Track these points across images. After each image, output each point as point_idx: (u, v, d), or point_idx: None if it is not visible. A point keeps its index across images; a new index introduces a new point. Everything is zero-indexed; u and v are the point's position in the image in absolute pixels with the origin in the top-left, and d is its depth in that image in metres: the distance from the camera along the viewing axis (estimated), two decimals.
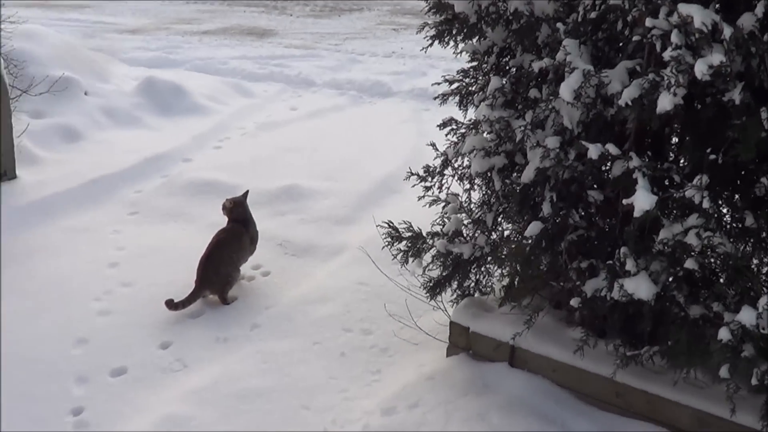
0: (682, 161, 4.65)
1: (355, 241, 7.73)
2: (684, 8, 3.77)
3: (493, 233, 5.44)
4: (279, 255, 7.73)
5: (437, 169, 5.64)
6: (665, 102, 3.92)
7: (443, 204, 5.70)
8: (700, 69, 3.74)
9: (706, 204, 4.06)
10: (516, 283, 5.42)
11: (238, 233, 7.02)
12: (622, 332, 4.92)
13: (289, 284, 7.14)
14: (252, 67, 16.72)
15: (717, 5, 3.81)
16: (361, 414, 5.29)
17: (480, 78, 5.41)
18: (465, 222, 5.58)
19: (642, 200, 4.08)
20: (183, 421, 5.28)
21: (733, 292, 4.32)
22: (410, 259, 5.69)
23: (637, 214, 4.09)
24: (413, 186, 5.75)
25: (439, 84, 5.65)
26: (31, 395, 5.59)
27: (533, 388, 5.21)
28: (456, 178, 5.63)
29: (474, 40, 5.16)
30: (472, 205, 5.62)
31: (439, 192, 5.68)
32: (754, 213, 4.23)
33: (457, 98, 5.58)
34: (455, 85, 5.58)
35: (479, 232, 5.46)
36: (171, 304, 6.46)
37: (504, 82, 4.95)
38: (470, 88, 5.48)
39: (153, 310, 6.55)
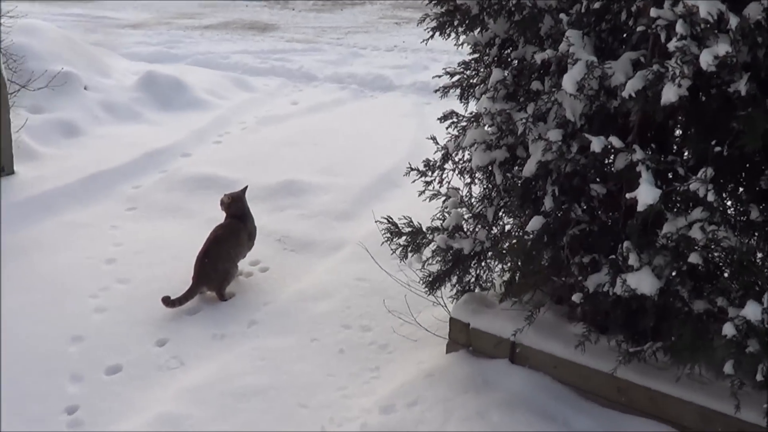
0: (685, 154, 4.56)
1: (355, 236, 7.66)
2: None
3: (493, 228, 5.36)
4: (278, 250, 7.67)
5: (437, 163, 5.57)
6: (670, 93, 3.86)
7: (443, 198, 5.62)
8: (706, 60, 3.68)
9: (710, 197, 3.99)
10: (517, 278, 5.35)
11: (236, 229, 6.96)
12: (625, 328, 4.85)
13: (287, 280, 7.07)
14: (253, 62, 16.64)
15: None
16: (360, 412, 5.22)
17: (481, 70, 5.34)
18: (465, 216, 5.50)
19: (646, 194, 4.02)
20: (179, 420, 5.22)
21: (738, 287, 4.24)
22: (409, 255, 5.62)
23: (640, 208, 4.04)
24: (413, 181, 5.66)
25: (440, 77, 5.59)
26: (25, 393, 5.54)
27: (534, 385, 5.13)
28: (456, 172, 5.56)
29: (476, 32, 5.08)
30: (473, 200, 5.54)
31: (440, 186, 5.61)
32: (759, 206, 4.16)
33: (458, 91, 5.49)
34: (456, 77, 5.50)
35: (480, 226, 5.38)
36: (168, 301, 6.39)
37: (506, 74, 4.87)
38: (471, 81, 5.40)
39: (150, 307, 6.49)
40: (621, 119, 4.53)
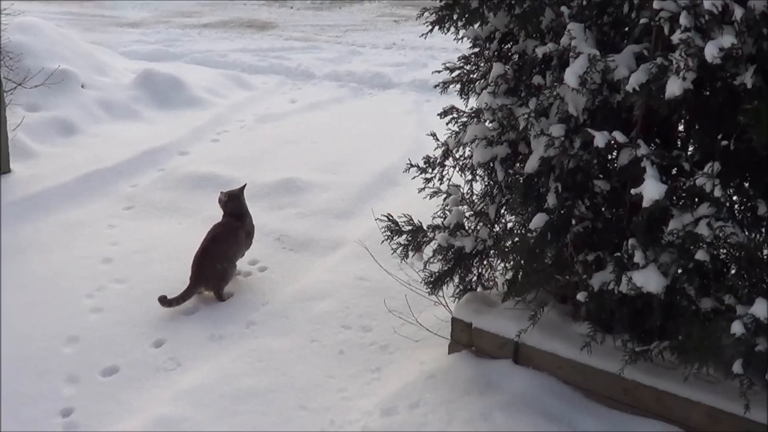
0: (690, 148, 4.49)
1: (355, 235, 7.58)
2: None
3: (495, 225, 5.29)
4: (276, 250, 7.59)
5: (438, 160, 5.49)
6: (674, 87, 3.81)
7: (444, 196, 5.55)
8: (711, 52, 3.64)
9: (717, 192, 3.94)
10: (519, 277, 5.26)
11: (233, 228, 6.87)
12: (630, 327, 4.77)
13: (286, 280, 6.99)
14: (252, 60, 16.65)
15: None
16: (360, 414, 5.13)
17: (482, 65, 5.25)
18: (467, 214, 5.43)
19: (651, 190, 3.96)
20: (176, 423, 5.13)
21: (746, 284, 4.19)
22: (410, 254, 5.54)
23: (646, 204, 3.97)
24: (413, 178, 5.59)
25: (439, 72, 5.48)
26: (20, 395, 5.46)
27: (538, 385, 5.04)
28: (457, 168, 5.47)
29: (475, 26, 4.99)
30: (474, 197, 5.46)
31: (440, 184, 5.53)
32: (766, 201, 4.10)
33: (458, 86, 5.40)
34: (456, 72, 5.40)
35: (481, 224, 5.31)
36: (164, 301, 6.30)
37: (507, 69, 4.78)
38: (472, 76, 5.31)
39: (147, 308, 6.41)
40: (624, 114, 4.46)
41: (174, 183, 9.17)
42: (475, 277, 5.65)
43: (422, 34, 5.19)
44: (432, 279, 5.53)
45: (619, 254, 4.40)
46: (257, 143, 10.84)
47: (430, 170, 5.53)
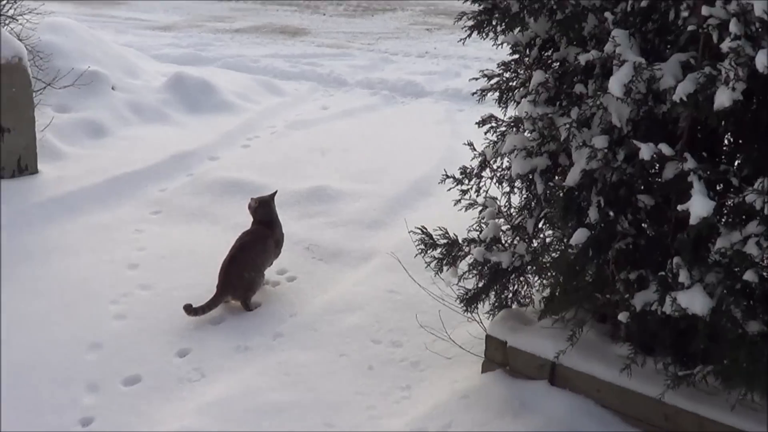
0: (737, 162, 4.31)
1: (386, 246, 7.41)
2: None
3: (534, 240, 5.11)
4: (306, 259, 7.44)
5: (474, 171, 5.33)
6: (723, 98, 3.66)
7: (480, 208, 5.39)
8: (762, 61, 3.49)
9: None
10: (557, 294, 5.08)
11: (262, 236, 6.73)
12: (673, 349, 4.56)
13: (315, 291, 6.84)
14: (283, 66, 16.58)
15: None
16: None
17: (521, 72, 5.08)
18: (503, 228, 5.27)
19: (699, 206, 3.77)
20: None
21: None
22: (445, 268, 5.37)
23: (693, 221, 3.78)
24: (449, 189, 5.44)
25: (476, 79, 5.34)
26: (39, 402, 5.34)
27: (575, 409, 4.84)
28: (494, 180, 5.31)
29: (515, 32, 4.83)
30: (512, 210, 5.30)
31: (476, 195, 5.37)
32: None
33: (496, 95, 5.23)
34: (495, 80, 5.23)
35: (519, 239, 5.14)
36: (190, 310, 6.16)
37: (547, 77, 4.62)
38: (511, 84, 5.15)
39: (171, 316, 6.27)
40: (670, 125, 4.29)
41: (203, 188, 9.06)
42: (510, 294, 5.47)
43: (460, 39, 5.09)
44: (468, 297, 5.36)
45: (663, 273, 4.21)
46: (288, 150, 10.74)
47: (466, 181, 5.37)
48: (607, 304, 4.79)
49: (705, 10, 3.72)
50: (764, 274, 3.91)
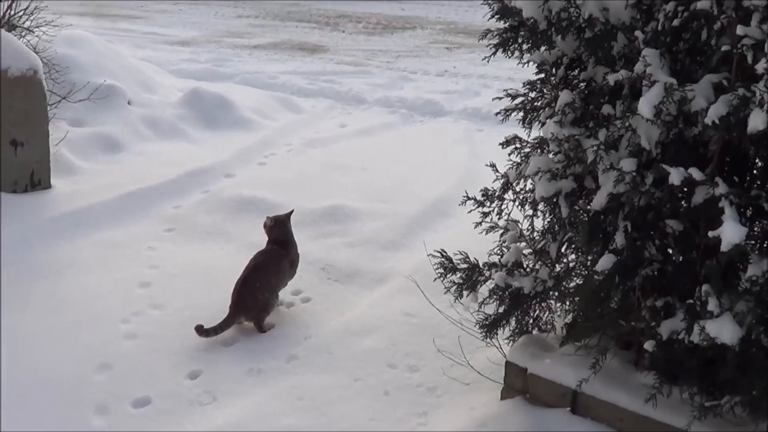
0: None
1: (403, 267, 7.30)
2: None
3: (556, 265, 4.97)
4: (321, 280, 7.31)
5: (497, 193, 5.19)
6: (758, 120, 3.55)
7: (501, 231, 5.26)
8: None
9: None
10: (580, 320, 4.95)
11: (277, 256, 6.61)
12: (699, 379, 4.41)
13: (330, 313, 6.70)
14: (301, 83, 16.51)
15: None
16: None
17: (547, 92, 4.95)
18: (525, 252, 5.13)
19: (731, 232, 3.63)
20: None
21: None
22: (465, 293, 5.23)
23: (724, 248, 3.64)
24: (470, 212, 5.29)
25: (500, 99, 5.21)
26: (46, 423, 5.22)
27: None
28: (517, 203, 5.17)
29: (542, 50, 4.70)
30: (534, 234, 5.16)
31: (498, 218, 5.24)
32: None
33: (520, 114, 5.10)
34: (519, 99, 5.10)
35: (541, 263, 5.00)
36: (201, 330, 6.04)
37: (574, 97, 4.48)
38: (536, 104, 5.02)
39: (184, 336, 6.14)
40: (701, 149, 4.16)
41: (218, 206, 8.95)
42: (531, 319, 5.33)
43: (484, 57, 4.98)
44: (487, 322, 5.22)
45: (691, 301, 4.07)
46: (305, 168, 10.63)
47: (488, 203, 5.23)
48: (631, 331, 4.68)
49: (740, 30, 3.60)
50: None
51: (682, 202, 4.18)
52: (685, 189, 4.01)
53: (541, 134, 4.76)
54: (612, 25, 4.24)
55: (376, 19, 28.72)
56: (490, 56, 4.87)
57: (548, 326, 5.36)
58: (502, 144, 5.18)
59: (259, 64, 18.80)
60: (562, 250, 4.95)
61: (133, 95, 11.90)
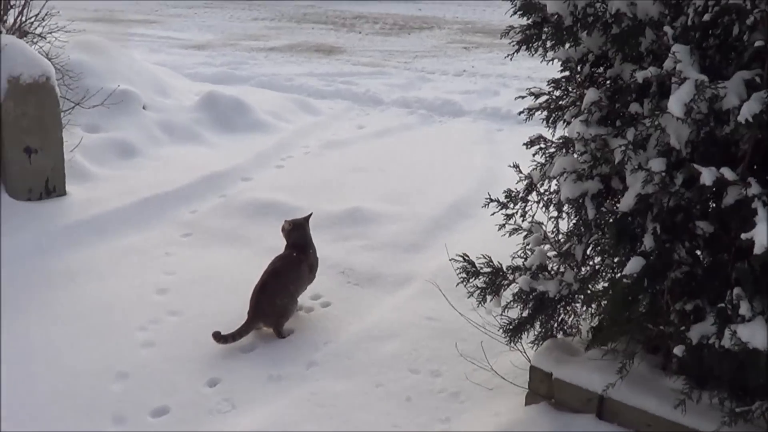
0: None
1: (424, 270, 7.20)
2: None
3: (582, 268, 4.85)
4: (341, 284, 7.21)
5: (520, 195, 5.09)
6: None
7: (525, 233, 5.15)
8: None
9: None
10: (605, 324, 4.83)
11: (295, 261, 6.51)
12: (729, 384, 4.28)
13: (350, 317, 6.60)
14: (318, 84, 16.44)
15: None
16: None
17: (572, 90, 4.83)
18: (550, 255, 5.02)
19: (765, 235, 3.51)
20: None
21: None
22: (488, 297, 5.12)
23: (758, 250, 3.53)
24: (492, 214, 5.19)
25: (522, 98, 5.11)
26: None
27: None
28: (541, 204, 5.06)
29: (566, 47, 4.59)
30: (559, 236, 5.05)
31: (522, 220, 5.13)
32: None
33: (544, 113, 4.99)
34: (542, 98, 5.00)
35: (566, 266, 4.88)
36: (219, 337, 5.96)
37: (601, 95, 4.36)
38: (560, 102, 4.90)
39: (202, 343, 6.05)
40: (733, 147, 4.04)
41: (235, 210, 8.89)
42: (556, 323, 5.21)
43: (507, 55, 4.87)
44: (512, 328, 5.11)
45: (722, 305, 3.95)
46: (322, 170, 10.56)
47: (511, 205, 5.13)
48: (659, 335, 4.54)
49: None
50: None
51: (712, 203, 4.08)
52: (716, 189, 3.90)
53: (566, 134, 4.66)
54: (640, 20, 4.13)
55: (392, 20, 28.72)
56: (513, 54, 4.78)
57: (573, 330, 5.25)
58: (526, 144, 5.09)
59: (275, 66, 18.75)
60: (588, 252, 4.83)
61: (148, 100, 11.84)
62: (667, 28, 3.97)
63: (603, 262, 4.78)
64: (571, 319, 5.20)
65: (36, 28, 9.94)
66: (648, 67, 4.02)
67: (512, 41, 4.71)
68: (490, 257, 5.22)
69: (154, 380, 5.69)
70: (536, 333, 5.20)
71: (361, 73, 18.10)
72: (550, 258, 5.01)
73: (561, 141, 4.80)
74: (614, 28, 4.22)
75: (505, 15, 4.76)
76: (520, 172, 5.16)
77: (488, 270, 5.15)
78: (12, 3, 9.55)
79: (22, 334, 6.18)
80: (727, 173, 3.74)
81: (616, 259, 4.55)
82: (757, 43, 3.68)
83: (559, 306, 5.01)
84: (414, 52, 21.58)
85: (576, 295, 4.88)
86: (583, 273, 4.84)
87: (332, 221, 8.41)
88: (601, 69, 4.63)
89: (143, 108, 11.48)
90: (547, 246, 5.06)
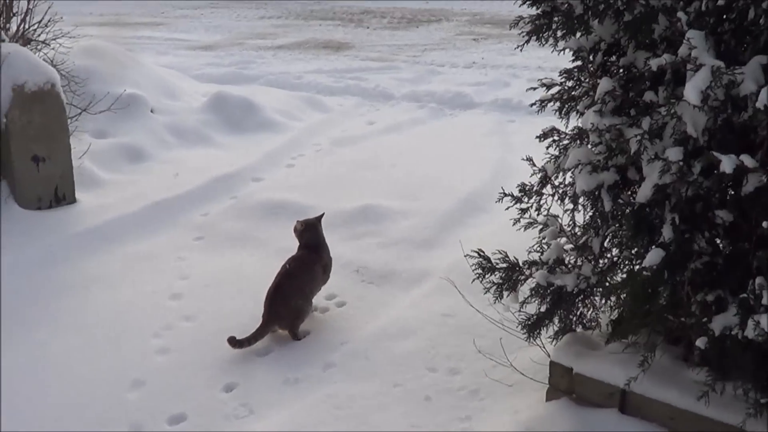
0: None
1: (439, 266, 7.13)
2: None
3: (600, 260, 4.77)
4: (355, 283, 7.15)
5: (534, 188, 5.01)
6: None
7: (540, 227, 5.08)
8: None
9: None
10: (625, 316, 4.75)
11: (309, 262, 6.45)
12: (754, 374, 4.20)
13: (366, 316, 6.54)
14: (327, 81, 16.37)
15: None
16: None
17: (585, 80, 4.76)
18: (566, 248, 4.95)
19: None
20: None
21: None
22: (505, 293, 5.05)
23: None
24: (507, 209, 5.14)
25: (534, 89, 5.03)
26: None
27: None
28: (556, 197, 4.99)
29: (578, 36, 4.51)
30: (576, 229, 4.98)
31: (537, 214, 5.06)
32: None
33: (557, 104, 4.92)
34: (555, 89, 4.92)
35: (584, 259, 4.80)
36: (234, 342, 5.91)
37: (614, 85, 4.28)
38: (573, 93, 4.82)
39: (217, 348, 6.00)
40: (753, 134, 3.94)
41: (247, 211, 8.82)
42: (575, 317, 5.14)
43: (517, 46, 4.80)
44: (530, 323, 5.05)
45: (745, 295, 3.88)
46: (334, 168, 10.49)
47: (526, 199, 5.07)
48: (680, 327, 4.45)
49: None
50: None
51: (731, 191, 4.01)
52: (735, 177, 3.82)
53: (580, 125, 4.57)
54: (652, 6, 4.04)
55: (400, 14, 28.67)
56: (523, 44, 4.70)
57: (593, 323, 5.18)
58: (539, 137, 5.01)
59: (283, 64, 18.68)
60: (606, 244, 4.76)
61: (156, 103, 11.79)
62: (680, 14, 3.89)
63: (621, 254, 4.72)
64: (590, 312, 5.14)
65: (39, 35, 9.90)
66: (662, 55, 3.94)
67: (522, 32, 4.64)
68: (505, 252, 5.15)
69: (170, 387, 5.65)
70: (555, 328, 5.14)
71: (370, 69, 18.00)
72: (566, 251, 4.94)
73: (575, 132, 4.72)
74: (626, 15, 4.14)
75: (513, 5, 4.68)
76: (534, 164, 5.08)
77: (504, 265, 5.08)
78: (14, 11, 9.50)
79: (35, 345, 6.15)
80: (747, 160, 3.66)
81: (634, 251, 4.48)
82: None
83: (577, 300, 4.94)
84: (423, 46, 21.51)
85: (594, 289, 4.80)
86: (601, 266, 4.78)
87: (344, 219, 8.33)
88: (614, 58, 4.55)
89: (151, 111, 11.43)
90: (564, 239, 4.99)
